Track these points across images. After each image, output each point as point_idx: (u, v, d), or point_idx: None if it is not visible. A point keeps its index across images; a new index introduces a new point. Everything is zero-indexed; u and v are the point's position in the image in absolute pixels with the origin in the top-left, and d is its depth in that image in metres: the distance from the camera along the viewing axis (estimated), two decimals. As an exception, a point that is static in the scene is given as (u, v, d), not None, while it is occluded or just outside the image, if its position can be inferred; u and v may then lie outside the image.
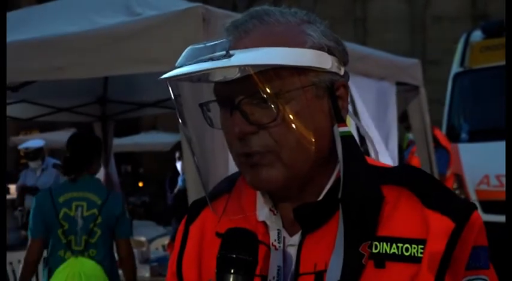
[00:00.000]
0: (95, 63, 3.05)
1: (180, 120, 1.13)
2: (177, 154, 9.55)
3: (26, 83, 4.16)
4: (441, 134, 6.83)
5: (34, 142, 8.10)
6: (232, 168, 1.16)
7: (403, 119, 6.17)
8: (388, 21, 15.52)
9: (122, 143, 11.76)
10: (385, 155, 4.54)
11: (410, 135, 6.87)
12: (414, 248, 0.98)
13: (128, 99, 5.87)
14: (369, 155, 1.18)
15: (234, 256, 0.97)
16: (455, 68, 8.01)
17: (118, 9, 3.28)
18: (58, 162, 7.61)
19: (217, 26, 2.72)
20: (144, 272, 4.42)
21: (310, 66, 0.99)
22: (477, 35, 7.91)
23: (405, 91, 5.39)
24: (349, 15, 15.48)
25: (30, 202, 6.99)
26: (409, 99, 5.43)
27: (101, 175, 6.32)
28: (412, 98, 5.40)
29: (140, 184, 15.02)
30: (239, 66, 0.94)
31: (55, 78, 3.36)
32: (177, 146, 9.60)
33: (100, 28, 3.09)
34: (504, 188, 6.84)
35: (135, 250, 4.55)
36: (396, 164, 4.87)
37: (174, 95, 1.06)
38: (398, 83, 5.00)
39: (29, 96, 5.15)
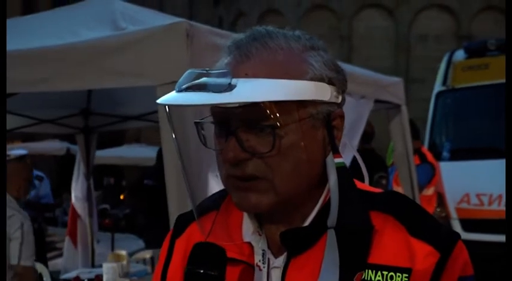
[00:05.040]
0: (79, 76, 3.04)
1: (174, 136, 1.12)
2: None
3: (9, 94, 4.14)
4: (429, 152, 6.87)
5: (16, 150, 8.00)
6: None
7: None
8: (373, 39, 15.64)
9: (104, 155, 11.63)
10: None
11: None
12: (399, 276, 0.99)
13: (111, 111, 5.85)
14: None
15: (202, 271, 0.99)
16: (437, 87, 8.08)
17: (103, 24, 3.28)
18: (40, 174, 7.54)
19: (201, 42, 2.74)
20: (123, 286, 4.37)
21: (310, 100, 0.99)
22: (460, 54, 8.01)
23: (387, 109, 5.42)
24: (335, 32, 15.57)
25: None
26: (390, 118, 5.45)
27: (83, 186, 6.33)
28: (394, 116, 5.42)
29: (121, 197, 14.85)
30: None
31: (38, 90, 3.36)
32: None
33: (84, 41, 3.09)
34: (484, 207, 6.94)
35: (114, 264, 4.50)
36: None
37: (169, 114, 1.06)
38: (380, 101, 5.02)
39: (12, 107, 5.12)
